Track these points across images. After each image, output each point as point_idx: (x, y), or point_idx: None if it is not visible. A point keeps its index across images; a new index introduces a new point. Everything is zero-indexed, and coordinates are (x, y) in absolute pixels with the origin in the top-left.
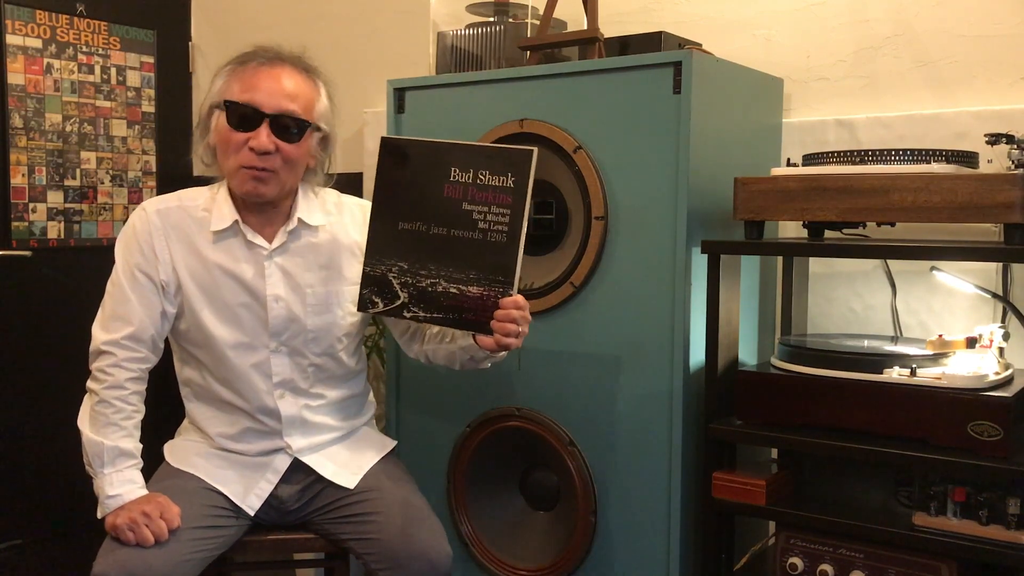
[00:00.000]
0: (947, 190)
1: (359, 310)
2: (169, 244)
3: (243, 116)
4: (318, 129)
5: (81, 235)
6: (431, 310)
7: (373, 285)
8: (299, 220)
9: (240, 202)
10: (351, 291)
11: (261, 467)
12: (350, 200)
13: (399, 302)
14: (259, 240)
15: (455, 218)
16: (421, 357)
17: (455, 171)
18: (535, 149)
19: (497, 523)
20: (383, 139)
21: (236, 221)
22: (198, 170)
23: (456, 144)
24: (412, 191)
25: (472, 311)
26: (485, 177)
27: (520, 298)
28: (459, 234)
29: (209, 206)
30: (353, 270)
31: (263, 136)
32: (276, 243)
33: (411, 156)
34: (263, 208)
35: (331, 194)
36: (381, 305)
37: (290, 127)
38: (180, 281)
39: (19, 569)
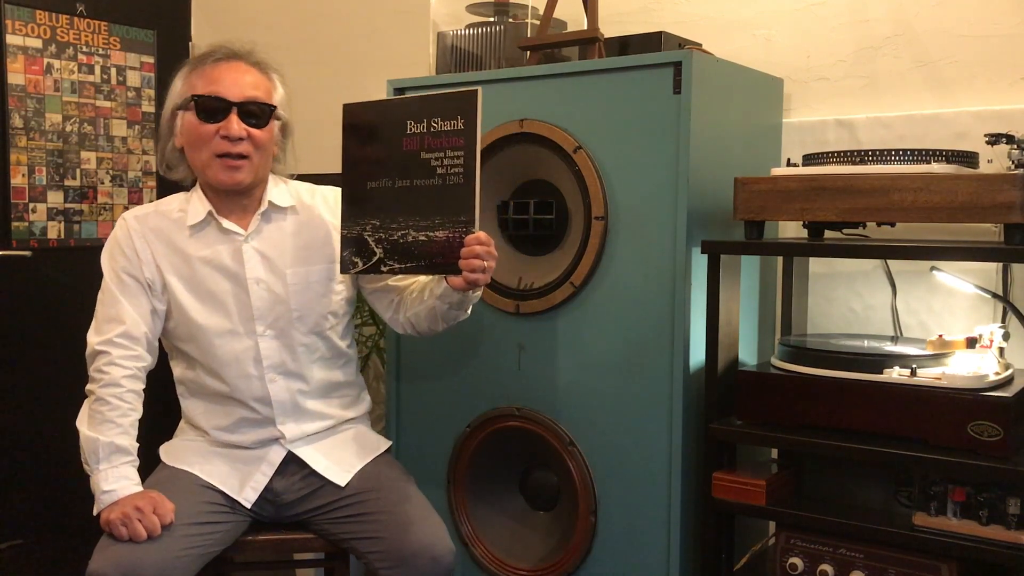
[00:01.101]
0: (947, 190)
1: (342, 272)
2: (150, 245)
3: (211, 108)
4: (278, 118)
5: (81, 235)
6: (405, 260)
7: (352, 246)
8: (270, 203)
9: (213, 195)
10: (331, 269)
11: (256, 460)
12: (322, 188)
13: (376, 258)
14: (234, 227)
15: (416, 169)
16: (408, 328)
17: (411, 124)
18: (479, 88)
19: (497, 523)
20: (344, 106)
21: (210, 212)
22: (162, 174)
23: (408, 98)
24: (376, 150)
25: (441, 254)
26: (438, 124)
27: (482, 234)
28: (421, 183)
29: (184, 206)
30: (331, 249)
31: (234, 124)
32: (251, 228)
33: (371, 118)
34: (236, 199)
35: (303, 185)
36: (360, 264)
37: (256, 113)
38: (164, 278)
39: (19, 569)
